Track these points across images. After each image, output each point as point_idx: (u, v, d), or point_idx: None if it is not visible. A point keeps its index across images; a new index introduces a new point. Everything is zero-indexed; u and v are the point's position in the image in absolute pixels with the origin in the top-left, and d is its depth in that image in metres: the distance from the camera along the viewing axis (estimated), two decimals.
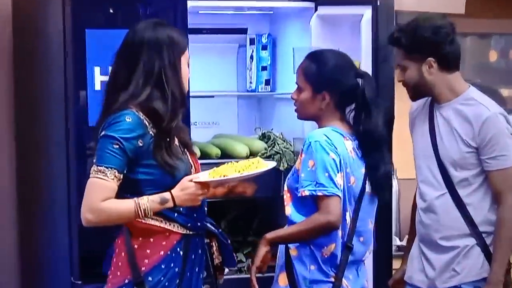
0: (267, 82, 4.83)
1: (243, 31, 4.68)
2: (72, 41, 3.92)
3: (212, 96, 4.68)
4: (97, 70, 3.91)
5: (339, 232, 3.26)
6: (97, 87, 3.92)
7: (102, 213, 3.02)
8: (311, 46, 4.18)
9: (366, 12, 4.17)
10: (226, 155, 4.38)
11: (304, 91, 3.33)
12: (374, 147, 3.32)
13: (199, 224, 3.18)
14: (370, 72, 3.98)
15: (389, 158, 3.37)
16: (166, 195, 3.07)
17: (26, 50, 4.28)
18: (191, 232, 3.15)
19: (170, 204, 3.07)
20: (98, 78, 3.92)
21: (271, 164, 3.18)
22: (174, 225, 3.13)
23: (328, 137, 3.25)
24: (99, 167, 3.03)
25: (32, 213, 4.31)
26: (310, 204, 3.24)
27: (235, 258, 3.40)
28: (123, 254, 3.13)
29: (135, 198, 3.05)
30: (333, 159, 3.22)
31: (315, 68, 3.33)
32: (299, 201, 3.26)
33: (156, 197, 3.06)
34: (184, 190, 3.09)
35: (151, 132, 3.07)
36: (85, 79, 3.91)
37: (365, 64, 4.21)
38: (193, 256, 3.17)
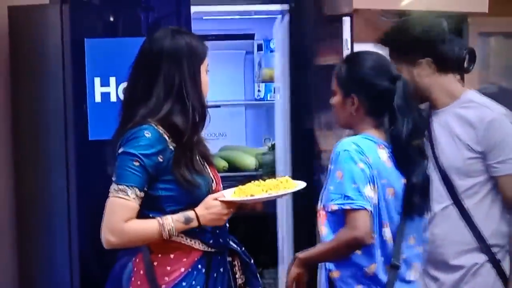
0: (277, 90, 4.68)
1: (250, 36, 4.58)
2: (71, 52, 3.91)
3: (219, 106, 4.59)
4: (97, 81, 3.88)
5: (377, 251, 3.12)
6: (98, 99, 3.89)
7: (125, 235, 2.98)
8: None
9: None
10: (234, 168, 4.25)
11: (336, 95, 3.23)
12: (404, 158, 3.15)
13: (221, 241, 3.14)
14: None
15: (423, 171, 3.17)
16: (191, 214, 3.03)
17: (24, 62, 4.29)
18: (213, 250, 3.11)
19: (194, 223, 3.04)
20: (98, 90, 3.90)
21: (301, 185, 3.14)
22: (196, 241, 3.08)
23: (358, 146, 3.12)
24: (119, 186, 2.98)
25: (31, 232, 4.25)
26: (342, 221, 3.10)
27: (259, 278, 3.31)
28: (141, 272, 3.10)
29: (159, 218, 3.01)
30: (362, 169, 3.08)
31: (345, 70, 3.22)
32: (334, 219, 3.12)
33: (180, 217, 3.03)
34: (209, 209, 3.05)
35: (171, 147, 3.03)
36: (85, 90, 3.87)
37: None
38: (215, 275, 3.12)
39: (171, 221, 2.99)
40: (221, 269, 3.12)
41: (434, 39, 3.45)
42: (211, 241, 3.08)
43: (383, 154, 3.14)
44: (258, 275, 3.30)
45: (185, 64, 3.05)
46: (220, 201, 3.04)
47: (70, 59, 3.90)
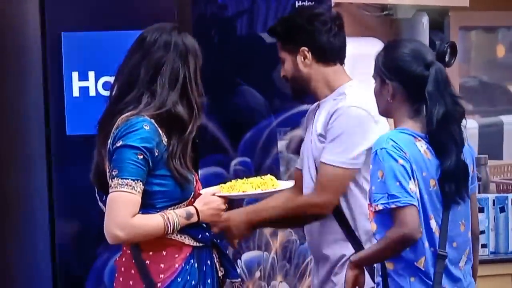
0: None
1: None
2: (51, 45, 3.87)
3: None
4: (75, 75, 3.85)
5: (425, 243, 3.13)
6: (76, 93, 3.85)
7: (132, 230, 2.97)
8: None
9: None
10: None
11: (375, 83, 3.23)
12: (437, 145, 3.13)
13: (207, 235, 3.15)
14: None
15: (457, 159, 3.14)
16: (191, 209, 3.05)
17: (2, 56, 4.19)
18: (200, 244, 3.12)
19: (194, 218, 3.06)
20: (77, 84, 3.85)
21: (289, 183, 3.24)
22: (186, 237, 3.09)
23: (395, 141, 3.10)
24: (124, 180, 2.95)
25: (11, 229, 4.20)
26: (388, 219, 3.10)
27: (237, 269, 3.36)
28: (132, 271, 3.08)
29: (163, 213, 3.01)
30: (403, 165, 3.07)
31: (381, 57, 3.22)
32: (380, 217, 3.12)
33: (182, 212, 3.04)
34: (208, 204, 3.08)
35: (164, 141, 3.03)
36: (62, 85, 3.84)
37: None
38: (204, 269, 3.14)
39: (175, 216, 3.01)
40: (208, 262, 3.14)
41: (314, 29, 3.47)
42: (199, 236, 3.09)
43: (421, 146, 3.13)
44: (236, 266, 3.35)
45: (190, 61, 3.08)
46: (218, 196, 3.07)
47: (50, 53, 3.85)
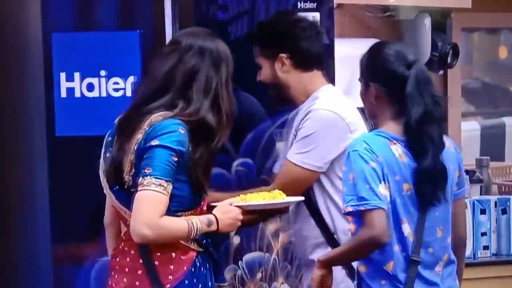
0: None
1: None
2: (43, 46, 3.88)
3: None
4: (63, 76, 3.84)
5: (395, 247, 3.13)
6: (63, 94, 3.83)
7: (160, 230, 2.98)
8: None
9: None
10: None
11: (361, 86, 3.25)
12: (415, 146, 3.14)
13: (209, 241, 3.18)
14: None
15: (434, 160, 3.13)
16: (212, 217, 3.09)
17: (1, 55, 4.20)
18: (202, 249, 3.14)
19: (214, 227, 3.09)
20: (64, 85, 3.84)
21: (298, 198, 3.33)
22: (192, 242, 3.11)
23: (368, 144, 3.12)
24: (158, 180, 2.97)
25: (11, 230, 4.20)
26: (360, 221, 3.13)
27: (224, 275, 3.42)
28: (139, 272, 3.08)
29: (187, 218, 3.04)
30: (373, 168, 3.09)
31: (364, 59, 3.25)
32: (357, 219, 3.12)
33: (204, 219, 3.07)
34: (226, 213, 3.12)
35: (189, 148, 3.05)
36: (52, 86, 3.84)
37: None
38: (205, 272, 3.16)
39: (199, 222, 3.03)
40: (207, 266, 3.15)
41: (293, 36, 3.50)
42: (204, 241, 3.12)
43: (397, 150, 3.14)
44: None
45: (223, 69, 3.09)
46: (236, 206, 3.11)
47: (45, 53, 3.87)
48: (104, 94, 3.85)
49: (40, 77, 3.95)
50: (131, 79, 3.82)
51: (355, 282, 3.21)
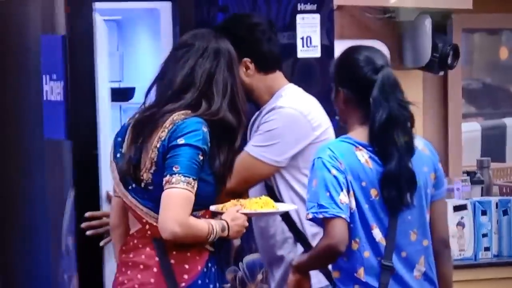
0: None
1: None
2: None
3: None
4: (46, 78, 3.81)
5: (366, 253, 3.14)
6: (45, 96, 3.81)
7: (188, 229, 3.03)
8: None
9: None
10: None
11: (333, 90, 3.29)
12: (379, 151, 3.16)
13: (220, 241, 3.21)
14: None
15: (399, 164, 3.14)
16: (225, 223, 3.13)
17: (1, 58, 4.22)
18: (213, 249, 3.19)
19: (226, 233, 3.14)
20: (45, 87, 3.82)
21: (292, 207, 3.37)
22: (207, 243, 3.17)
23: (332, 151, 3.15)
24: (187, 178, 3.02)
25: (9, 232, 4.21)
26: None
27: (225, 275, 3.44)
28: (155, 269, 3.12)
29: (208, 221, 3.09)
30: (335, 176, 3.11)
31: (335, 64, 3.29)
32: (321, 226, 3.16)
33: (219, 224, 3.12)
34: (235, 220, 3.16)
35: (209, 146, 3.11)
36: (42, 88, 3.82)
37: None
38: (216, 273, 3.21)
39: (217, 226, 3.08)
40: (217, 267, 3.20)
41: (253, 40, 3.54)
42: (215, 241, 3.15)
43: (362, 156, 3.15)
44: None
45: (235, 69, 3.20)
46: (243, 213, 3.16)
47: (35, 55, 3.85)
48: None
49: (37, 80, 3.95)
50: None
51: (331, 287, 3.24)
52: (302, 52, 4.05)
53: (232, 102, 3.16)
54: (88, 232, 3.54)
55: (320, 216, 3.07)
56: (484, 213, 4.94)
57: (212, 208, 3.19)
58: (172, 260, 3.11)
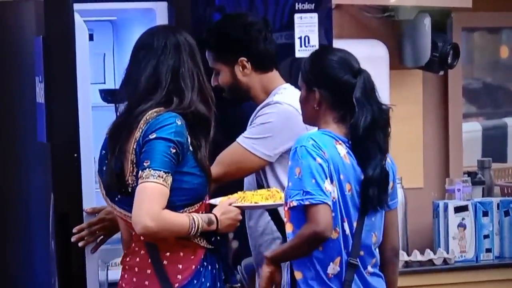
0: None
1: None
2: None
3: None
4: (37, 80, 3.79)
5: (341, 245, 3.20)
6: (37, 98, 3.78)
7: (162, 222, 3.03)
8: None
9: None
10: None
11: (301, 90, 3.32)
12: (360, 152, 3.23)
13: (219, 239, 3.23)
14: None
15: (381, 165, 3.24)
16: (212, 217, 3.15)
17: None
18: (212, 247, 3.19)
19: (214, 226, 3.14)
20: (37, 89, 3.79)
21: None
22: (201, 239, 3.16)
23: (315, 140, 3.20)
24: (156, 171, 3.03)
25: (8, 233, 4.20)
26: (304, 217, 3.18)
27: (235, 275, 3.47)
28: (148, 271, 3.13)
29: (188, 214, 3.09)
30: (320, 164, 3.16)
31: (307, 65, 3.32)
32: (297, 215, 3.18)
33: (205, 217, 3.13)
34: (226, 214, 3.18)
35: (188, 140, 3.12)
36: (34, 90, 3.80)
37: None
38: (214, 271, 3.21)
39: (200, 220, 3.08)
40: (216, 266, 3.21)
41: (250, 40, 3.56)
42: (213, 239, 3.17)
43: (341, 150, 3.22)
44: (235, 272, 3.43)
45: (198, 59, 3.20)
46: (236, 206, 3.17)
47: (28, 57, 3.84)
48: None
49: (32, 82, 3.94)
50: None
51: (287, 285, 3.24)
52: (300, 52, 4.06)
53: (201, 93, 3.17)
54: (80, 244, 3.52)
55: (307, 202, 3.11)
56: (485, 214, 4.94)
57: (211, 201, 3.21)
58: (164, 261, 3.11)
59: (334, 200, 3.16)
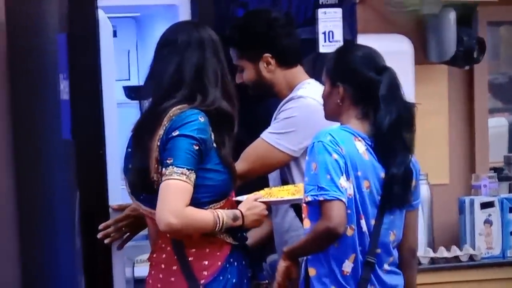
0: None
1: None
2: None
3: None
4: (61, 77, 3.82)
5: (357, 242, 3.20)
6: (61, 95, 3.81)
7: (186, 219, 3.05)
8: None
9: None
10: None
11: (325, 86, 3.33)
12: (384, 149, 3.24)
13: (245, 235, 3.25)
14: None
15: (406, 163, 3.24)
16: (237, 212, 3.16)
17: (22, 56, 4.28)
18: (238, 243, 3.21)
19: (239, 222, 3.16)
20: (60, 86, 3.82)
21: None
22: (226, 235, 3.18)
23: (333, 136, 3.20)
24: (179, 168, 3.05)
25: (33, 233, 4.23)
26: (319, 212, 3.19)
27: (263, 271, 3.48)
28: (174, 268, 3.16)
29: (213, 210, 3.11)
30: (336, 160, 3.16)
31: (332, 60, 3.32)
32: (314, 210, 3.19)
33: (229, 213, 3.15)
34: (251, 209, 3.19)
35: (212, 137, 3.13)
36: (58, 87, 3.82)
37: None
38: (240, 268, 3.23)
39: (225, 216, 3.09)
40: (243, 262, 3.23)
41: (274, 36, 3.56)
42: (239, 235, 3.19)
43: (360, 146, 3.21)
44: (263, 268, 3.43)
45: (221, 56, 3.21)
46: (261, 202, 3.18)
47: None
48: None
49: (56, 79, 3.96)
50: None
51: (301, 281, 3.24)
52: (324, 47, 4.06)
53: (224, 89, 3.18)
54: (106, 241, 3.53)
55: (321, 198, 3.11)
56: (511, 210, 4.91)
57: (238, 198, 3.22)
58: (190, 258, 3.12)
59: (350, 197, 3.15)
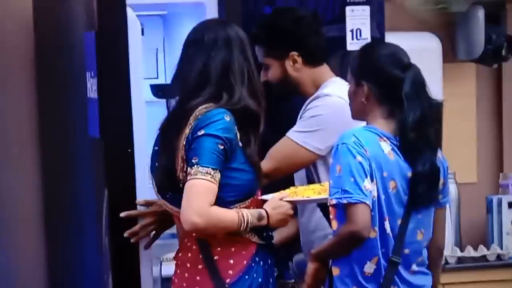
0: None
1: None
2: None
3: None
4: (88, 75, 3.82)
5: (379, 244, 3.18)
6: (88, 94, 3.80)
7: (210, 219, 3.05)
8: None
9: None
10: None
11: (350, 84, 3.32)
12: (409, 148, 3.21)
13: (271, 234, 3.25)
14: None
15: (431, 161, 3.21)
16: (263, 212, 3.16)
17: (49, 54, 4.26)
18: (264, 243, 3.21)
19: (264, 221, 3.15)
20: (88, 85, 3.81)
21: None
22: (253, 234, 3.18)
23: (357, 138, 3.18)
24: (205, 168, 3.05)
25: (60, 233, 4.25)
26: (344, 214, 3.19)
27: (290, 270, 3.50)
28: (200, 266, 3.16)
29: (237, 210, 3.12)
30: (360, 162, 3.14)
31: (356, 59, 3.31)
32: (341, 213, 3.17)
33: (254, 213, 3.14)
34: (277, 209, 3.18)
35: (238, 136, 3.14)
36: (85, 85, 3.82)
37: None
38: (266, 267, 3.23)
39: (250, 215, 3.09)
40: (269, 261, 3.22)
41: (300, 34, 3.55)
42: (264, 234, 3.18)
43: (385, 147, 3.19)
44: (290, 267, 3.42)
45: (248, 53, 3.20)
46: (287, 201, 3.17)
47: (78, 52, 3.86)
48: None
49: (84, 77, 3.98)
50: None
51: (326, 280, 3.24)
52: (352, 45, 4.05)
53: (251, 88, 3.17)
54: (132, 239, 3.51)
55: (344, 201, 3.10)
56: None
57: (264, 197, 3.22)
58: (216, 257, 3.13)
59: (374, 199, 3.14)
